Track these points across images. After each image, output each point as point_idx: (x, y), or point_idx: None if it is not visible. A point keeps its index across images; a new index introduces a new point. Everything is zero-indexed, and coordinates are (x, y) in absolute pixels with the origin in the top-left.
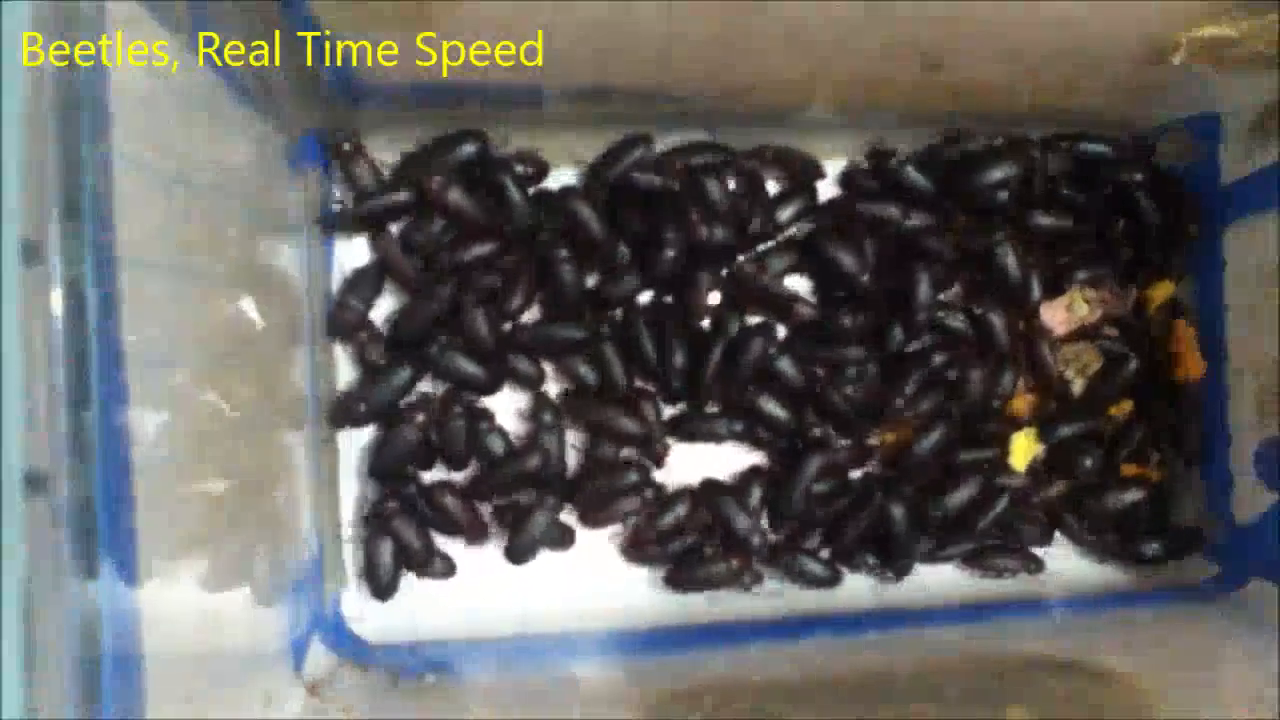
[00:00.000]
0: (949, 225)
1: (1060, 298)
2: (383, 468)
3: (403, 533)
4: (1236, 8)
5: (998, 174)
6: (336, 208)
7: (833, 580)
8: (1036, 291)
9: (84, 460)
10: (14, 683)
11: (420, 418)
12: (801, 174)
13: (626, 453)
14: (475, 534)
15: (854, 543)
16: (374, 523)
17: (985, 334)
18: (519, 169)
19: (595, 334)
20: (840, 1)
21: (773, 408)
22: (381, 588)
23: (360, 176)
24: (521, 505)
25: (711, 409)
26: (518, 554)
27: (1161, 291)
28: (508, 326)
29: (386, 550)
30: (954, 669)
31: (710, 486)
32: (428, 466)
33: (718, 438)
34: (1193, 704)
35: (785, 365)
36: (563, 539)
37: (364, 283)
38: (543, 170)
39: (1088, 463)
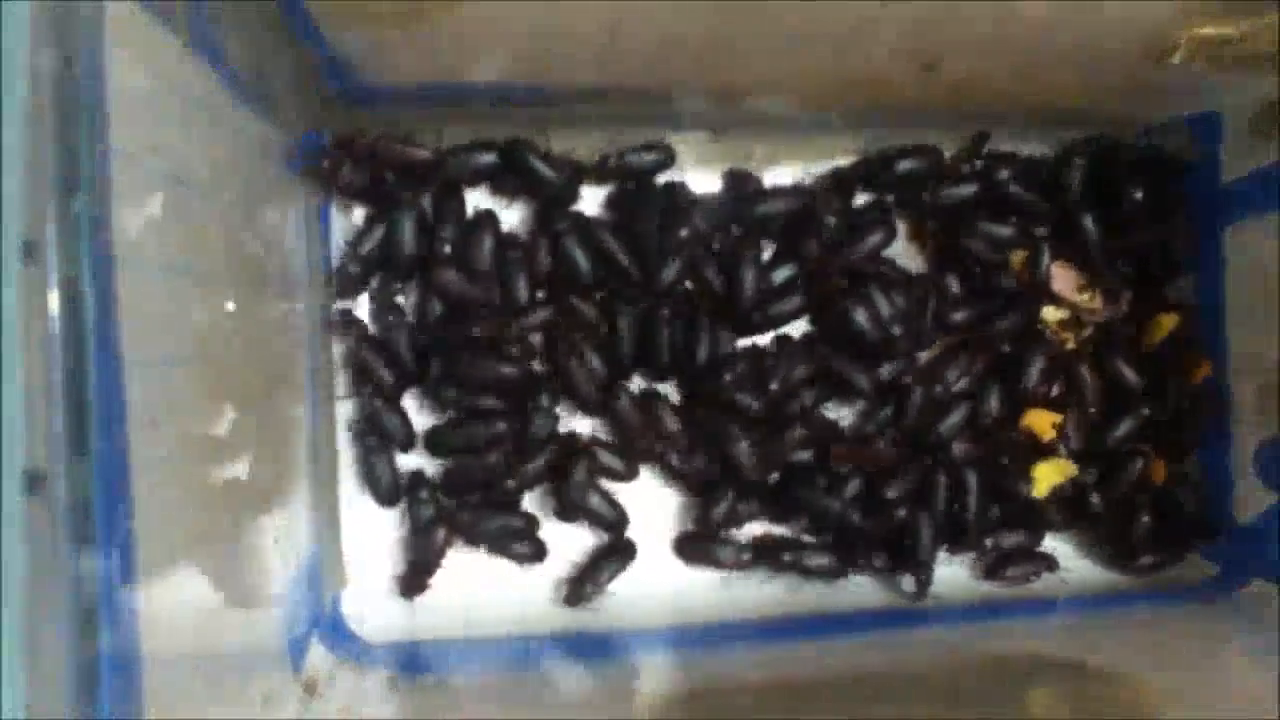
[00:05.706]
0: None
1: (1079, 276)
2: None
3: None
4: (1236, 8)
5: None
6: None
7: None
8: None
9: (83, 460)
10: (14, 683)
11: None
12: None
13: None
14: (410, 583)
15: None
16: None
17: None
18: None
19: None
20: (838, 2)
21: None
22: (383, 493)
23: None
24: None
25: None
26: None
27: (1167, 322)
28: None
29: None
30: (955, 669)
31: (770, 544)
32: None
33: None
34: (1193, 704)
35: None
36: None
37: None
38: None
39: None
